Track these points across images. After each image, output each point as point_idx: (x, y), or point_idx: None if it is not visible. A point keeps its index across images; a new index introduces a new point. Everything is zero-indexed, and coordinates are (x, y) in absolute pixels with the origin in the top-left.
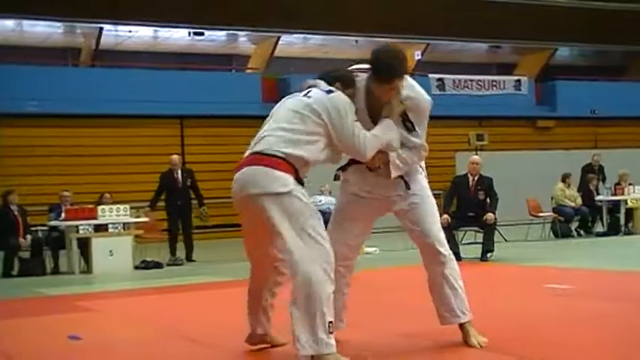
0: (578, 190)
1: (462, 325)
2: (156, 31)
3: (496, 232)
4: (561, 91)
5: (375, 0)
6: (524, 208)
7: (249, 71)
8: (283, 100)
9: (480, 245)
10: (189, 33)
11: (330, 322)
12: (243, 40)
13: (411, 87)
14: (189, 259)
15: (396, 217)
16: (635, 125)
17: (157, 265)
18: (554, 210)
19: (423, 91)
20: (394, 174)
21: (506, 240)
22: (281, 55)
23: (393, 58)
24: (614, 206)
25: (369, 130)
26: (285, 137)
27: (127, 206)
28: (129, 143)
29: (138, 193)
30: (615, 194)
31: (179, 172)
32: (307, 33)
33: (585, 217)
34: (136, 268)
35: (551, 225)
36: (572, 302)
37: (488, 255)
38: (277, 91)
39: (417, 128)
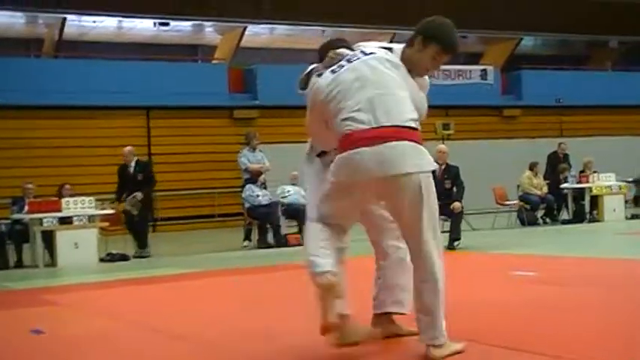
0: (545, 178)
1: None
2: (120, 21)
3: (463, 220)
4: (526, 80)
5: None
6: (490, 197)
7: (215, 62)
8: (353, 67)
9: (447, 234)
10: (155, 23)
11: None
12: (209, 31)
13: None
14: (142, 248)
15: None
16: (598, 113)
17: (123, 258)
18: (520, 198)
19: None
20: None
21: (473, 228)
22: (247, 45)
23: (455, 31)
24: (579, 194)
25: None
26: (404, 102)
27: (92, 198)
28: (94, 135)
29: (103, 185)
30: (580, 182)
31: (132, 164)
32: (273, 23)
33: (551, 204)
34: (102, 260)
35: (517, 213)
36: (538, 288)
37: (455, 243)
38: (244, 81)
39: None
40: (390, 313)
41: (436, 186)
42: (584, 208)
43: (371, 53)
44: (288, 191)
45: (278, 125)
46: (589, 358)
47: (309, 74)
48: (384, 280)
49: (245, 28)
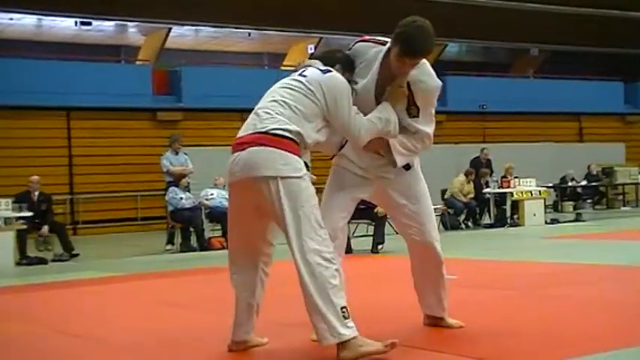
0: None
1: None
2: (40, 19)
3: (387, 224)
4: (451, 86)
5: None
6: None
7: (139, 63)
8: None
9: (371, 237)
10: (76, 22)
11: (343, 307)
12: (133, 31)
13: (421, 68)
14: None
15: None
16: (520, 120)
17: (41, 261)
18: (445, 202)
19: (433, 74)
20: (400, 162)
21: (396, 232)
22: (172, 46)
23: (426, 33)
24: (501, 199)
25: (370, 111)
26: (286, 114)
27: (9, 200)
28: (12, 135)
29: (21, 187)
30: (502, 187)
31: (36, 193)
32: (199, 25)
33: (473, 209)
34: (18, 264)
35: (440, 217)
36: (459, 291)
37: (379, 247)
38: (168, 83)
39: (421, 114)
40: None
41: None
42: (506, 213)
43: (303, 76)
44: (212, 194)
45: (203, 128)
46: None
47: None
48: None
49: (170, 29)
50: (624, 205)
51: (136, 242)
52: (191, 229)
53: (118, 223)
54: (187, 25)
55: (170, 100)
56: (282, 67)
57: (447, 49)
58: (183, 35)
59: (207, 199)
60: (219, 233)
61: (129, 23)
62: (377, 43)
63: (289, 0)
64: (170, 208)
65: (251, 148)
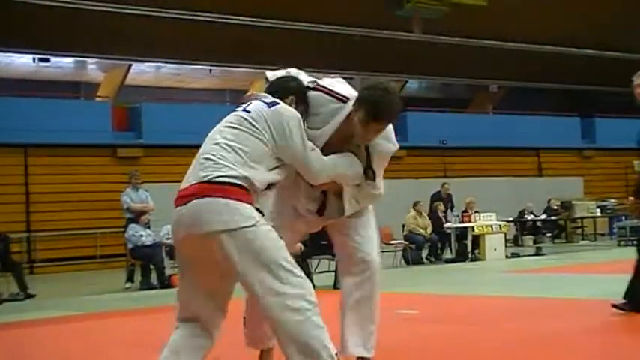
0: (430, 218)
1: None
2: None
3: None
4: (411, 121)
5: (230, 30)
6: None
7: (98, 99)
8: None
9: (333, 273)
10: (34, 59)
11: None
12: (93, 68)
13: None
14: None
15: None
16: (480, 155)
17: None
18: (405, 237)
19: (392, 137)
20: (348, 211)
21: None
22: (132, 83)
23: (393, 98)
24: (462, 233)
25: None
26: (230, 159)
27: None
28: None
29: None
30: (462, 221)
31: None
32: (159, 61)
33: (435, 243)
34: None
35: (402, 252)
36: (421, 326)
37: None
38: (129, 119)
39: (376, 177)
40: None
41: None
42: (467, 247)
43: (246, 111)
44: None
45: (163, 164)
46: None
47: None
48: None
49: (130, 66)
50: (583, 239)
51: (95, 280)
52: (151, 267)
53: (77, 261)
54: (148, 61)
55: (130, 137)
56: None
57: (407, 85)
58: (143, 72)
59: (167, 238)
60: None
61: (88, 59)
62: (337, 97)
63: (250, 36)
64: (130, 246)
65: (194, 201)
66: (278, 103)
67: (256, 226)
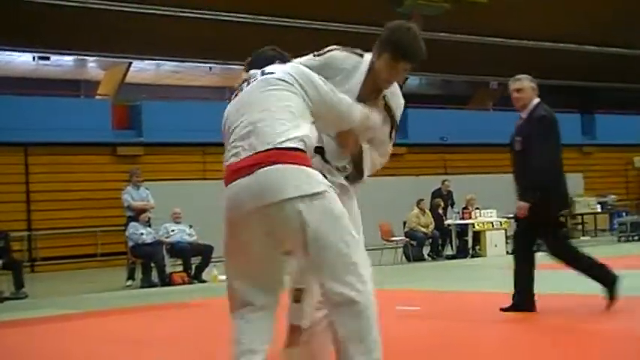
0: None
1: None
2: None
3: None
4: (412, 118)
5: (230, 28)
6: (376, 233)
7: (98, 97)
8: (240, 95)
9: None
10: (34, 57)
11: None
12: (93, 66)
13: (394, 86)
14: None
15: None
16: (480, 152)
17: None
18: (406, 234)
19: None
20: (366, 174)
21: None
22: (132, 81)
23: (418, 36)
24: (462, 230)
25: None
26: (285, 121)
27: None
28: None
29: None
30: (463, 218)
31: None
32: (159, 59)
33: (436, 240)
34: None
35: (403, 249)
36: (420, 323)
37: None
38: (129, 117)
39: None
40: None
41: None
42: (468, 244)
43: (269, 73)
44: (172, 230)
45: (164, 162)
46: None
47: None
48: None
49: (130, 64)
50: (583, 235)
51: (96, 278)
52: (152, 265)
53: (78, 260)
54: (148, 59)
55: (130, 135)
56: None
57: (408, 82)
58: (143, 70)
59: (167, 236)
60: (181, 268)
61: (88, 58)
62: (353, 52)
63: (250, 33)
64: (130, 244)
65: (262, 169)
66: (273, 72)
67: (328, 192)
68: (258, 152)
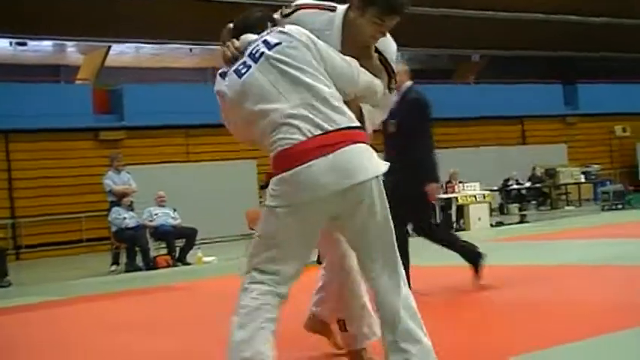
0: None
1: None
2: None
3: None
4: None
5: (209, 8)
6: None
7: (79, 82)
8: (258, 69)
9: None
10: (11, 43)
11: None
12: (72, 51)
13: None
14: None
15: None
16: (464, 125)
17: None
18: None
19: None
20: (369, 130)
21: None
22: (112, 65)
23: None
24: (446, 204)
25: None
26: (335, 101)
27: None
28: None
29: None
30: (447, 192)
31: None
32: (138, 42)
33: None
34: None
35: None
36: None
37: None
38: (110, 101)
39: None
40: None
41: None
42: (451, 218)
43: (276, 45)
44: (156, 214)
45: (146, 146)
46: None
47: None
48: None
49: (109, 47)
50: (568, 205)
51: (82, 264)
52: (136, 249)
53: (63, 246)
54: (127, 42)
55: (112, 119)
56: None
57: None
58: (123, 53)
59: (150, 220)
60: (165, 251)
61: (67, 42)
62: (322, 8)
63: (231, 13)
64: (113, 229)
65: (342, 149)
66: (280, 43)
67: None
68: (329, 132)
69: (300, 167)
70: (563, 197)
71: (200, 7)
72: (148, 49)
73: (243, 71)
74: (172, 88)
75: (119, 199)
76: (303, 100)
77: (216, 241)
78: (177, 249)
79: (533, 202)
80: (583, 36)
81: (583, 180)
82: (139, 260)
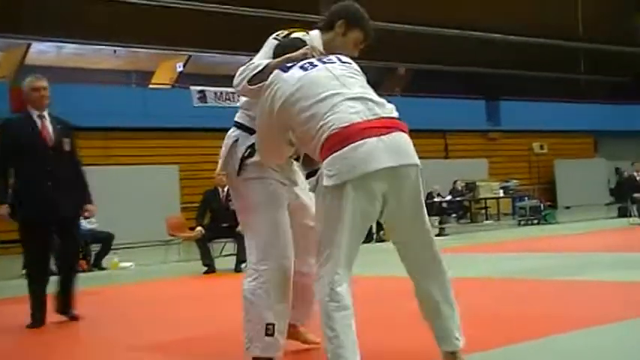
0: None
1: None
2: None
3: None
4: None
5: (135, 10)
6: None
7: None
8: (314, 71)
9: (235, 256)
10: None
11: None
12: None
13: None
14: None
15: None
16: None
17: None
18: None
19: None
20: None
21: None
22: (32, 63)
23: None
24: None
25: None
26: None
27: None
28: None
29: None
30: None
31: None
32: (59, 41)
33: None
34: None
35: None
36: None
37: (242, 265)
38: None
39: None
40: None
41: (221, 208)
42: (372, 229)
43: (346, 62)
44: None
45: None
46: None
47: (263, 70)
48: None
49: (29, 45)
50: (487, 219)
51: None
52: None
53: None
54: (48, 41)
55: None
56: (151, 86)
57: None
58: (44, 52)
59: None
60: (80, 256)
61: None
62: (296, 39)
63: (156, 17)
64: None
65: (395, 133)
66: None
67: None
68: (383, 117)
69: (356, 143)
70: (483, 211)
71: (125, 9)
72: (70, 48)
73: (309, 68)
74: (94, 89)
75: None
76: (362, 92)
77: (136, 247)
78: (93, 254)
79: (454, 215)
80: (505, 54)
81: (502, 195)
82: (52, 264)
